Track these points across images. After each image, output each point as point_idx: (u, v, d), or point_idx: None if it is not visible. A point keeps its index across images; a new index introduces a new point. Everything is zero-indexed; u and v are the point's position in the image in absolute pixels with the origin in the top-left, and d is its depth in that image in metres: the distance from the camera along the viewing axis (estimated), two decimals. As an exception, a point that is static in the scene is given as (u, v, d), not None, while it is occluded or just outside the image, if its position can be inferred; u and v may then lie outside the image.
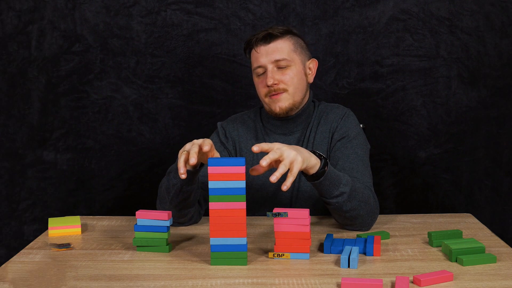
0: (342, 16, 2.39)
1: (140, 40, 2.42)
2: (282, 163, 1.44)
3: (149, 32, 2.41)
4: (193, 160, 1.45)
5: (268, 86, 1.82)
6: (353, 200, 1.62)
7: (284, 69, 1.82)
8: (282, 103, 1.84)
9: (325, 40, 2.41)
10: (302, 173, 1.59)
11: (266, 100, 1.86)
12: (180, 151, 1.53)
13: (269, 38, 1.82)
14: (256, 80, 1.88)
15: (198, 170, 1.62)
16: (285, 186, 1.42)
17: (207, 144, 1.49)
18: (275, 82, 1.81)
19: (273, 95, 1.83)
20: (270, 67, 1.82)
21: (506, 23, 2.39)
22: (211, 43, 2.41)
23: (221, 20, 2.40)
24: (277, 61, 1.81)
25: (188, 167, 1.60)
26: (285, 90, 1.83)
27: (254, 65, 1.85)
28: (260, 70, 1.84)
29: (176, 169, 1.61)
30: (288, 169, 1.45)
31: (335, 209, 1.65)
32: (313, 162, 1.54)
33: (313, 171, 1.56)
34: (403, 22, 2.39)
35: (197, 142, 1.51)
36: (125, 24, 2.41)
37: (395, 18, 2.39)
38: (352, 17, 2.39)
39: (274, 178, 1.39)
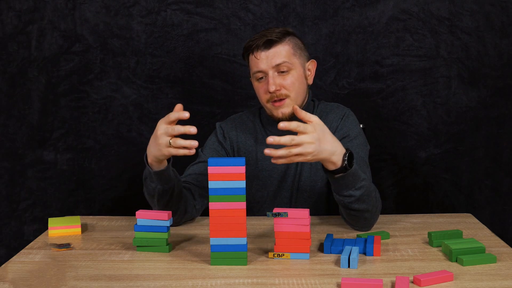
0: (342, 16, 2.39)
1: (140, 40, 2.42)
2: (294, 148, 1.43)
3: (149, 32, 2.41)
4: (194, 130, 1.46)
5: (270, 92, 1.80)
6: (362, 204, 1.62)
7: (285, 74, 1.80)
8: (285, 109, 1.82)
9: (325, 40, 2.41)
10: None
11: (268, 105, 1.84)
12: (164, 125, 1.51)
13: (269, 44, 1.80)
14: (256, 84, 1.85)
15: (168, 167, 1.61)
16: (267, 151, 1.42)
17: (183, 114, 1.49)
18: (277, 88, 1.79)
19: (276, 101, 1.81)
20: (271, 72, 1.79)
21: (506, 23, 2.39)
22: (211, 43, 2.41)
23: (221, 20, 2.40)
24: (277, 65, 1.79)
25: (156, 168, 1.59)
26: (287, 96, 1.81)
27: (254, 69, 1.83)
28: (260, 75, 1.82)
29: (151, 173, 1.61)
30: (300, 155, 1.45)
31: (342, 205, 1.65)
32: (334, 160, 1.51)
33: (329, 168, 1.54)
34: (403, 22, 2.39)
35: (167, 120, 1.51)
36: (125, 24, 2.41)
37: (395, 18, 2.39)
38: (352, 17, 2.39)
39: (268, 151, 1.42)
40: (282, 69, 1.80)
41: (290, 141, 1.42)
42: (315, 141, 1.44)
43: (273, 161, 1.45)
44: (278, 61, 1.79)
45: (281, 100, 1.81)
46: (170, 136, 1.50)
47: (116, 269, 1.42)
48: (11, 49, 2.43)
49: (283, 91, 1.81)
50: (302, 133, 1.44)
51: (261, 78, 1.83)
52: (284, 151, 1.43)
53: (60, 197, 2.50)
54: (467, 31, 2.39)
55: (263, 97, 1.84)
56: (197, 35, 2.41)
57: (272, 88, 1.78)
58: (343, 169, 1.54)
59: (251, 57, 1.83)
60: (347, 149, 1.55)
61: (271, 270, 1.40)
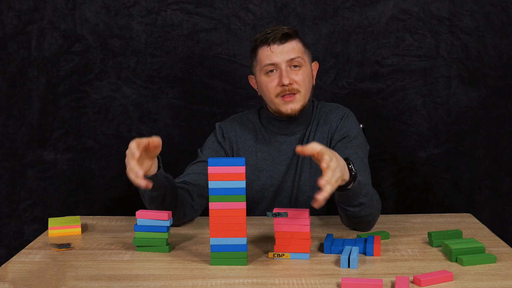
0: (342, 16, 2.39)
1: (140, 40, 2.42)
2: (330, 183, 1.32)
3: (149, 32, 2.41)
4: (140, 173, 1.39)
5: (282, 86, 1.79)
6: (368, 209, 1.61)
7: (297, 70, 1.81)
8: (294, 104, 1.82)
9: (325, 40, 2.41)
10: None
11: (277, 100, 1.83)
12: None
13: (285, 38, 1.80)
14: (264, 79, 1.83)
15: (156, 175, 1.57)
16: (317, 204, 1.30)
17: (152, 141, 1.45)
18: (291, 82, 1.79)
19: (287, 95, 1.81)
20: (284, 66, 1.79)
21: (506, 23, 2.39)
22: (211, 43, 2.41)
23: (221, 20, 2.40)
24: (291, 59, 1.80)
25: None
26: (298, 91, 1.81)
27: (266, 62, 1.81)
28: (270, 68, 1.81)
29: (144, 190, 1.58)
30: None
31: (350, 215, 1.63)
32: (344, 176, 1.46)
33: (340, 184, 1.49)
34: (403, 22, 2.39)
35: (134, 151, 1.42)
36: (125, 24, 2.41)
37: (395, 18, 2.39)
38: (352, 17, 2.39)
39: (316, 201, 1.30)
40: (295, 64, 1.80)
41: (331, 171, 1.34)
42: (337, 164, 1.37)
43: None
44: (292, 55, 1.80)
45: (292, 94, 1.81)
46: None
47: (116, 269, 1.42)
48: (11, 49, 2.43)
49: (295, 86, 1.81)
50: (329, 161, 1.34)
51: (271, 71, 1.82)
52: (327, 192, 1.31)
53: (60, 197, 2.50)
54: (467, 31, 2.39)
55: (272, 90, 1.82)
56: (197, 35, 2.41)
57: (286, 81, 1.78)
58: (352, 178, 1.50)
59: (264, 49, 1.82)
60: (345, 159, 1.50)
61: (271, 270, 1.40)
